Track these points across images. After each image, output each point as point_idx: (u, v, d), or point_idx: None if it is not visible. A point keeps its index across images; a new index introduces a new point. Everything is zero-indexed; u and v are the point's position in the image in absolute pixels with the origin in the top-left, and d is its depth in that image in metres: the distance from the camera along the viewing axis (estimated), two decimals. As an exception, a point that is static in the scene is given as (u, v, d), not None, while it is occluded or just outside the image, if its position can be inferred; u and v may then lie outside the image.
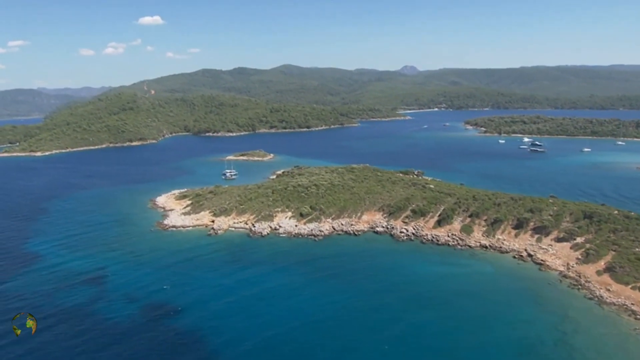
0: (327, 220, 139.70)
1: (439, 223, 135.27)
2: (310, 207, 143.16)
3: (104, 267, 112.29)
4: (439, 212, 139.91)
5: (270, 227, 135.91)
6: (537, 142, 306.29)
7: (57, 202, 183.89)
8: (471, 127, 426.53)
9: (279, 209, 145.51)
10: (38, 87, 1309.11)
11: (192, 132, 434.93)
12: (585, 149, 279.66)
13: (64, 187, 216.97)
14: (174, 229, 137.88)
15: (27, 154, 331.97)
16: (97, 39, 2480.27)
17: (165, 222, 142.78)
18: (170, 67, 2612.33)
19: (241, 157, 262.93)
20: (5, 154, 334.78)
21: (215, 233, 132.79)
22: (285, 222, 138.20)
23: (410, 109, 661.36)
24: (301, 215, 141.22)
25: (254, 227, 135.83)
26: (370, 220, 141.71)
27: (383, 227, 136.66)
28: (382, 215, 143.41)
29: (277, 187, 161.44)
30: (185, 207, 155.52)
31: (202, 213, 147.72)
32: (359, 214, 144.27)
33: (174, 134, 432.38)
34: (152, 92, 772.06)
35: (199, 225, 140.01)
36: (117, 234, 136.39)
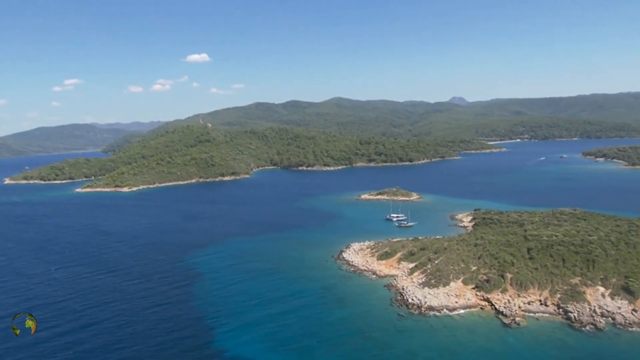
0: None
1: None
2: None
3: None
4: None
5: (595, 312, 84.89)
6: None
7: (195, 256, 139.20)
8: (599, 158, 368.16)
9: (575, 280, 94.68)
10: (91, 122, 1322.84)
11: (281, 165, 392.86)
12: None
13: (179, 232, 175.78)
14: (436, 312, 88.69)
15: (112, 189, 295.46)
16: (146, 77, 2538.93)
17: (410, 299, 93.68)
18: (213, 103, 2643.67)
19: (380, 197, 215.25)
20: (89, 189, 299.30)
21: (515, 323, 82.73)
22: (611, 304, 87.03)
23: (491, 140, 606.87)
24: (626, 291, 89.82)
25: (568, 311, 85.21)
26: None
27: None
28: None
29: (527, 244, 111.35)
30: (413, 273, 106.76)
31: (454, 285, 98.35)
32: None
33: (260, 168, 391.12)
34: (209, 125, 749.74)
35: (470, 307, 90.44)
36: (347, 319, 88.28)
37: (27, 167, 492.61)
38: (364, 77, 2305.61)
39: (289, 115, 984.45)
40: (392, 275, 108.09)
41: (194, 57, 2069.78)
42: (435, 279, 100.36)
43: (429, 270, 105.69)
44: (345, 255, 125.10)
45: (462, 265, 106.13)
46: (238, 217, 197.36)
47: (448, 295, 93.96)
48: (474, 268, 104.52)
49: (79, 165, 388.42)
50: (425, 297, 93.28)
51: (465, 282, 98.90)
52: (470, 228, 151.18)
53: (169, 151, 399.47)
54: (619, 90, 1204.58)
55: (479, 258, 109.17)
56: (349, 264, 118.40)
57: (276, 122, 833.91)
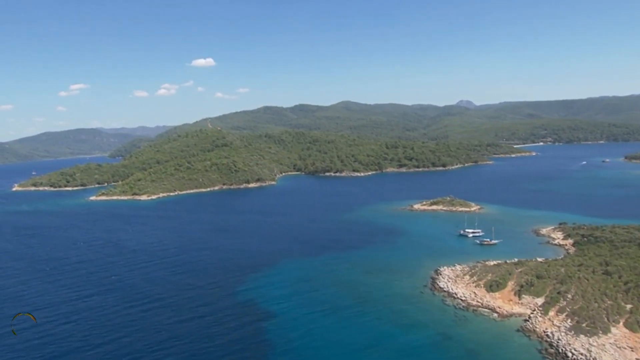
0: None
1: None
2: None
3: None
4: None
5: None
6: None
7: (248, 281, 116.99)
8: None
9: None
10: (97, 127, 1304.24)
11: (305, 171, 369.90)
12: None
13: (217, 249, 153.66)
14: (615, 376, 65.49)
15: (129, 197, 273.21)
16: (151, 81, 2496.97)
17: (569, 353, 70.59)
18: (219, 107, 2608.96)
19: (435, 207, 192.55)
20: (104, 197, 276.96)
21: None
22: None
23: (513, 143, 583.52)
24: None
25: None
26: None
27: None
28: None
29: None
30: (549, 313, 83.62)
31: (616, 331, 75.40)
32: None
33: (284, 174, 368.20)
34: (219, 128, 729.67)
35: (658, 367, 67.28)
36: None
37: (34, 173, 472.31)
38: (370, 81, 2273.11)
39: (299, 119, 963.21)
40: (520, 314, 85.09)
41: (200, 62, 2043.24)
42: (587, 323, 77.28)
43: (568, 309, 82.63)
44: (441, 284, 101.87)
45: (609, 302, 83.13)
46: (280, 231, 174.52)
47: (619, 347, 70.90)
48: (628, 306, 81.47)
49: (91, 171, 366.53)
50: (590, 350, 70.16)
51: (630, 328, 75.81)
52: (569, 247, 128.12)
53: (186, 156, 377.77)
54: (628, 93, 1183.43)
55: (627, 292, 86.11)
56: (452, 297, 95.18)
57: (286, 126, 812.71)
